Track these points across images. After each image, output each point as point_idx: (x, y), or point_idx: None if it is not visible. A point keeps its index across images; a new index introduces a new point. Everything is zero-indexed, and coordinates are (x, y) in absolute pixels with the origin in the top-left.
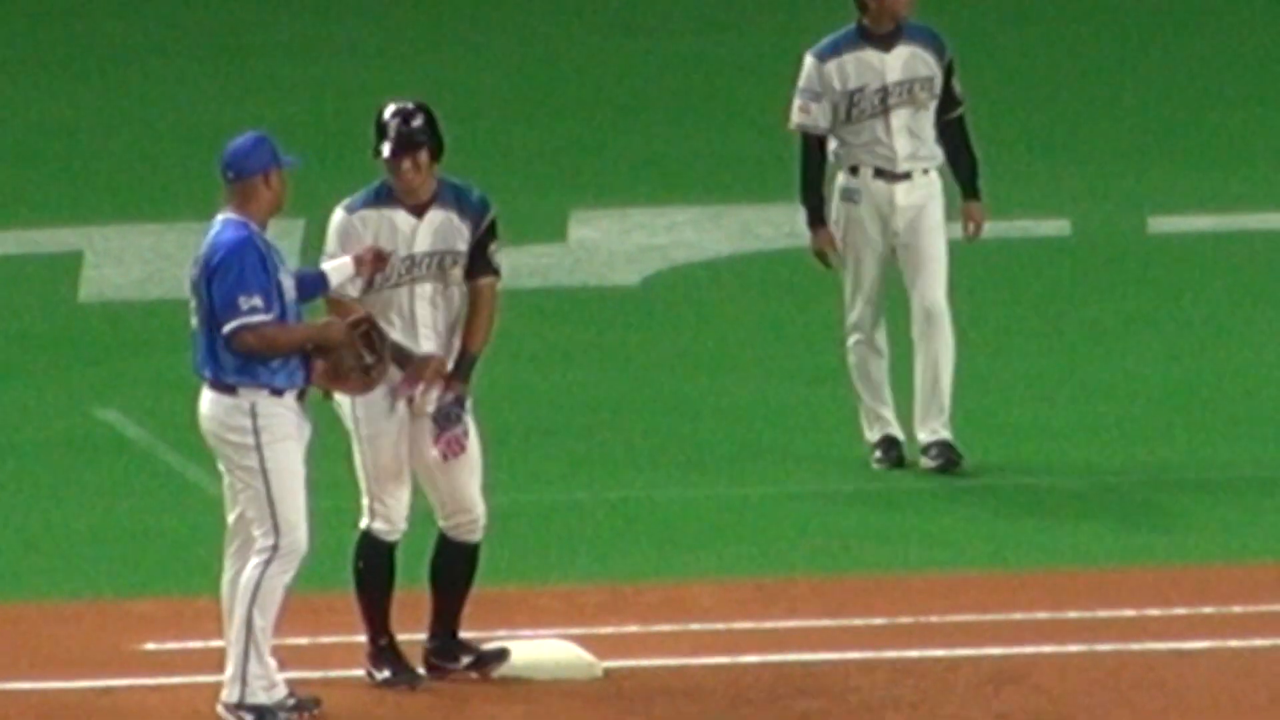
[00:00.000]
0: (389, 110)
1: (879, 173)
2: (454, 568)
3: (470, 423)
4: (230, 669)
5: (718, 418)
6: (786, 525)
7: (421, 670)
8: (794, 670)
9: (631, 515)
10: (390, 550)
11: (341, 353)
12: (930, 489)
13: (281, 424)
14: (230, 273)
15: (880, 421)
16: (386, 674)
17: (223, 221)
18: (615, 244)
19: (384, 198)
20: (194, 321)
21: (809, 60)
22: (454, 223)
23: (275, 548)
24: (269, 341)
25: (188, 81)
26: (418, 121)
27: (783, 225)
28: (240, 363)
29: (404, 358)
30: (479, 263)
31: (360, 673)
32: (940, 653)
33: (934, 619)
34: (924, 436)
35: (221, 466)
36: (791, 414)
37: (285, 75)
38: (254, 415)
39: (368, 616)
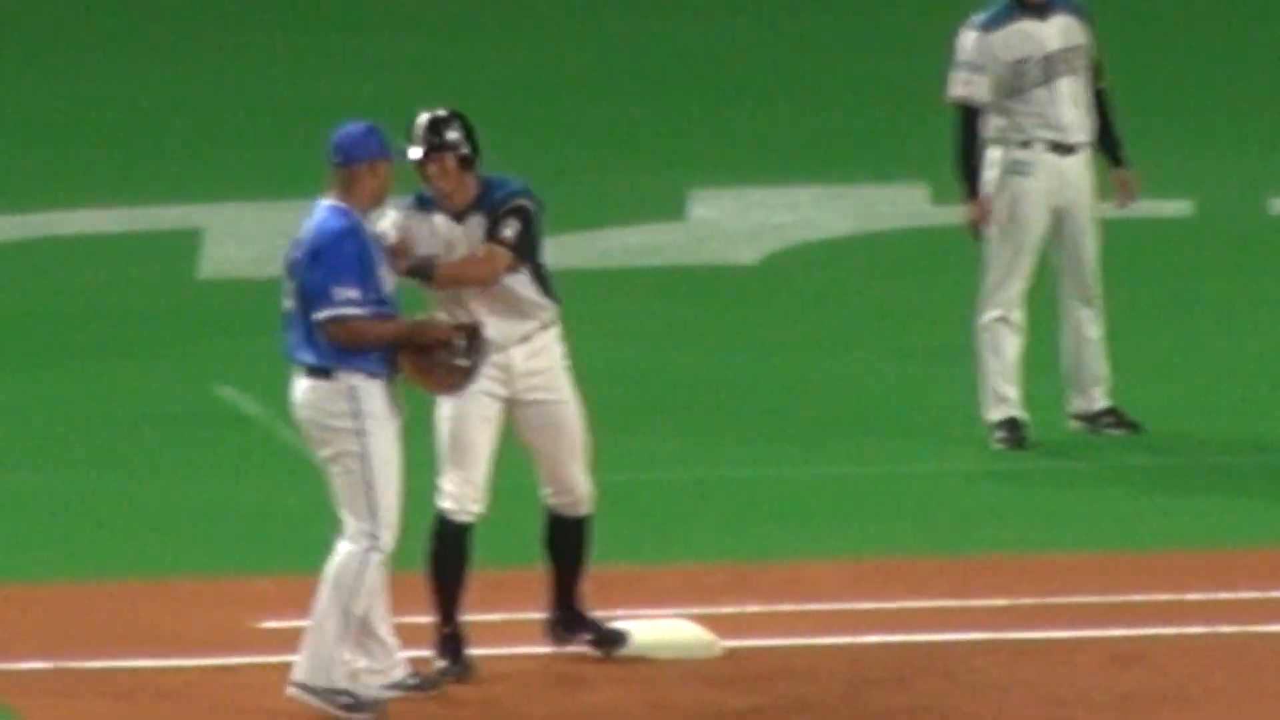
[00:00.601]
0: (422, 117)
1: (1054, 146)
2: (564, 542)
3: (572, 408)
4: (323, 652)
5: (838, 397)
6: (908, 505)
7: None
8: (916, 651)
9: (753, 494)
10: (462, 532)
11: (437, 352)
12: (1051, 469)
13: (380, 406)
14: (328, 261)
15: (1005, 403)
16: (442, 664)
17: (327, 208)
18: (734, 223)
19: (427, 203)
20: (287, 303)
21: (970, 33)
22: (484, 224)
23: (375, 535)
24: (356, 335)
25: (307, 58)
26: (449, 130)
27: (902, 205)
28: (333, 345)
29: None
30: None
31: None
32: (1062, 633)
33: (1056, 599)
34: (1090, 405)
35: (322, 454)
36: (912, 393)
37: (397, 51)
38: (353, 398)
39: (437, 600)
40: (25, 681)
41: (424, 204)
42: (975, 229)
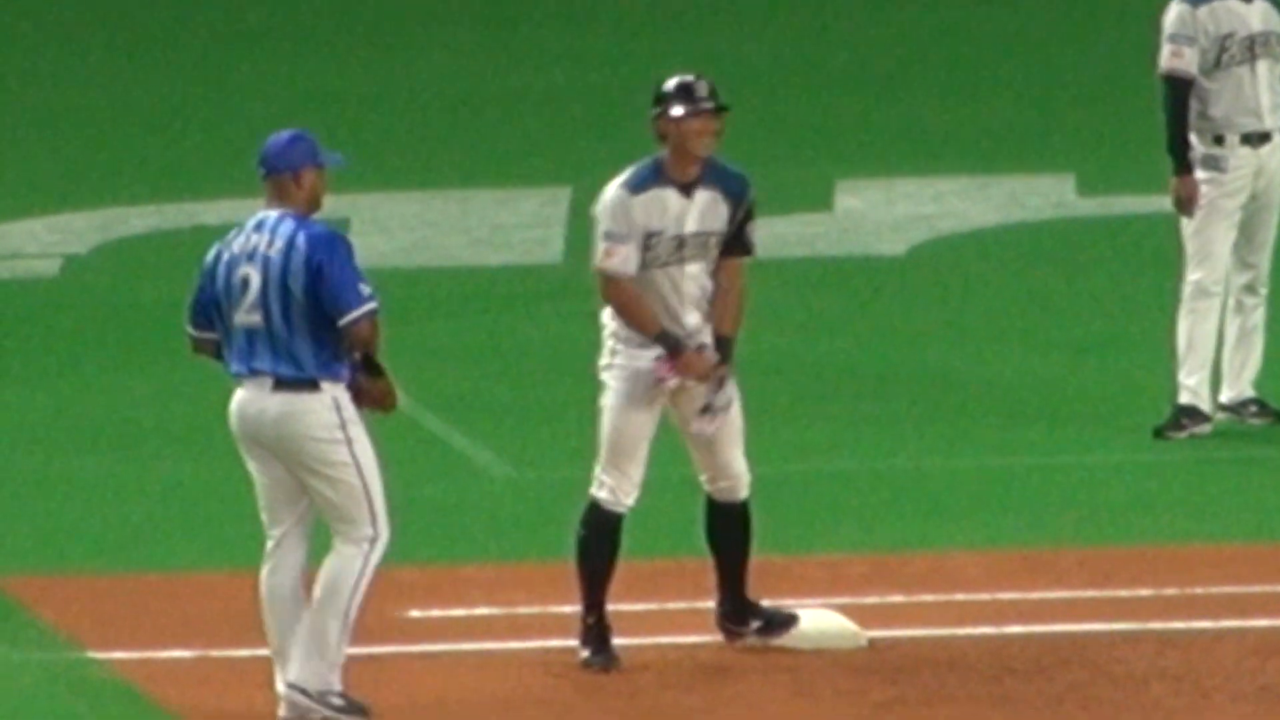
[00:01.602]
0: (684, 77)
1: (1246, 138)
2: (727, 528)
3: (734, 391)
4: (327, 657)
5: (983, 388)
6: (1052, 496)
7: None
8: (1059, 641)
9: (897, 485)
10: (614, 523)
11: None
12: (1195, 460)
13: (357, 414)
14: (338, 262)
15: (1184, 390)
16: (586, 654)
17: (292, 218)
18: (881, 214)
19: (658, 177)
20: (247, 319)
21: (1181, 6)
22: (718, 203)
23: (375, 538)
24: (376, 338)
25: (454, 50)
26: (717, 92)
27: (1050, 195)
28: (319, 355)
29: (673, 343)
30: (735, 242)
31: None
32: (1206, 624)
33: (1199, 590)
34: (1239, 394)
35: (266, 470)
36: (1057, 385)
37: (552, 44)
38: (339, 409)
39: (583, 589)
40: (167, 670)
41: (654, 178)
42: (1184, 205)
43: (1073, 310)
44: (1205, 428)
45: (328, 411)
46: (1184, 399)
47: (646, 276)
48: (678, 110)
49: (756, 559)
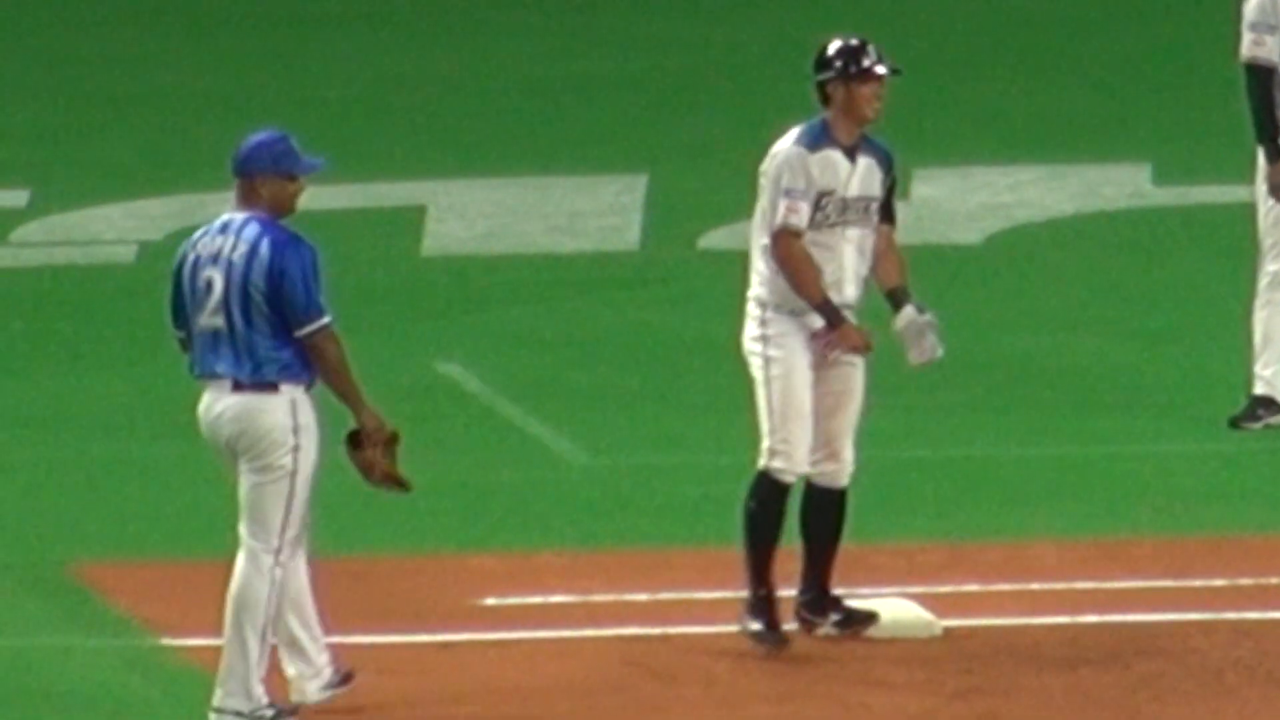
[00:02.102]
0: (850, 39)
1: None
2: (820, 515)
3: (863, 378)
4: (249, 674)
5: (1059, 377)
6: (1128, 485)
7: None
8: (1134, 631)
9: (972, 473)
10: (785, 493)
11: (373, 447)
12: (1270, 450)
13: (313, 418)
14: (296, 271)
15: (1259, 380)
16: (758, 626)
17: (258, 221)
18: (958, 202)
19: (826, 138)
20: (210, 321)
21: None
22: (874, 169)
23: (279, 550)
24: (344, 352)
25: (530, 36)
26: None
27: (1125, 185)
28: (280, 358)
29: (833, 313)
30: (887, 210)
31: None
32: None
33: (1274, 580)
34: None
35: (231, 471)
36: (1133, 374)
37: (629, 30)
38: (294, 413)
39: (751, 563)
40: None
41: (821, 139)
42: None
43: (1148, 300)
44: None
45: (283, 414)
46: (1259, 389)
47: (811, 237)
48: (856, 71)
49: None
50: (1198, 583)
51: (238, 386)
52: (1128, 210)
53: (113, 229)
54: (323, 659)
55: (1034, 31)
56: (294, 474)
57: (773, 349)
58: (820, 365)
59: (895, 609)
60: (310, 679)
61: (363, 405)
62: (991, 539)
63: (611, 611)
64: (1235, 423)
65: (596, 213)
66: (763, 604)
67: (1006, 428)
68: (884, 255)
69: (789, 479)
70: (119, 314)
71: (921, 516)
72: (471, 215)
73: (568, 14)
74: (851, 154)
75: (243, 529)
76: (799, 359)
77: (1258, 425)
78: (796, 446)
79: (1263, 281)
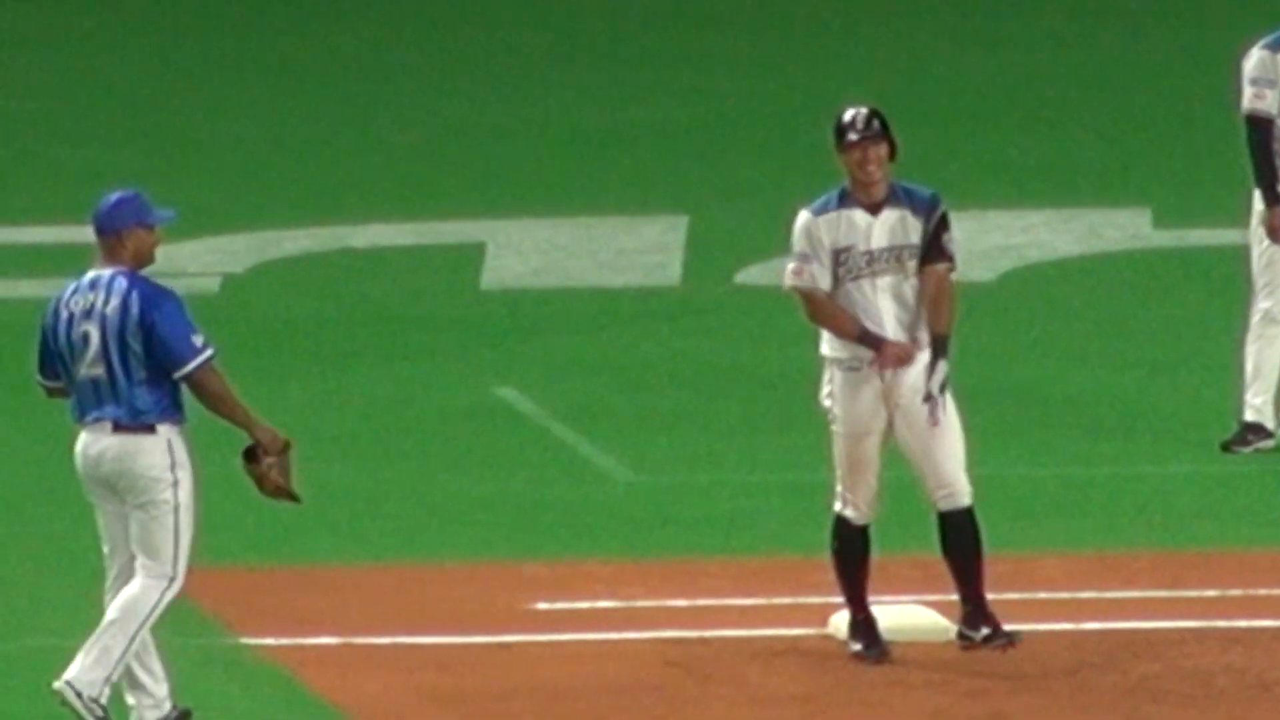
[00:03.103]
0: (850, 111)
1: None
2: (957, 537)
3: (950, 403)
4: (103, 669)
5: (1065, 403)
6: (1127, 503)
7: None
8: (1132, 637)
9: (985, 491)
10: (858, 532)
11: (269, 461)
12: (1259, 471)
13: (187, 454)
14: (170, 317)
15: (1249, 408)
16: (858, 646)
17: (125, 276)
18: (974, 243)
19: (843, 200)
20: (90, 371)
21: (1261, 52)
22: (907, 219)
23: (174, 578)
24: (225, 382)
25: (580, 88)
26: (882, 122)
27: (1127, 228)
28: (157, 401)
29: (873, 339)
30: (932, 251)
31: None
32: (1268, 623)
33: (1263, 591)
34: None
35: (105, 505)
36: (1133, 401)
37: (671, 83)
38: (171, 451)
39: (844, 592)
40: (315, 655)
41: (842, 201)
42: (1275, 233)
43: (1147, 333)
44: (1268, 443)
45: (160, 453)
46: (1249, 416)
47: (844, 290)
48: (842, 142)
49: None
50: (1191, 593)
51: (118, 428)
52: (1129, 251)
53: (197, 262)
54: (162, 691)
55: (1043, 85)
56: (176, 508)
57: (837, 406)
58: (901, 411)
59: (913, 615)
60: (149, 708)
61: (254, 423)
62: (1001, 552)
63: (652, 616)
64: (1227, 447)
65: (641, 250)
66: (859, 626)
67: (1016, 450)
68: (931, 300)
69: (861, 523)
70: None
71: (937, 531)
72: (527, 251)
73: (615, 68)
74: (875, 209)
75: (138, 563)
76: (862, 414)
77: (1247, 449)
78: (860, 496)
79: (1255, 318)
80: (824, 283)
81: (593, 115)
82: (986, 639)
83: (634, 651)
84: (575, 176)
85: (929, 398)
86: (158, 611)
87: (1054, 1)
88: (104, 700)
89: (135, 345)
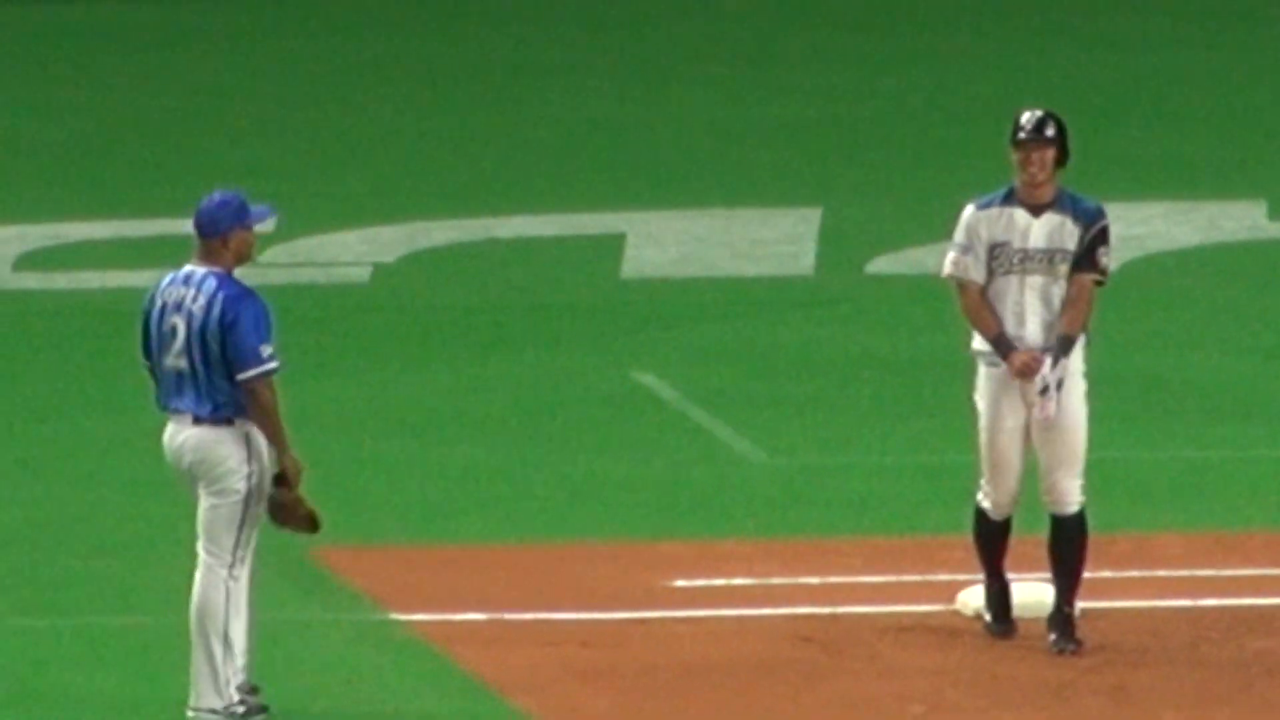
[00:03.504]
0: (1028, 113)
1: None
2: (1054, 540)
3: (1078, 408)
4: (216, 683)
5: (1184, 389)
6: (1243, 484)
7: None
8: (1249, 613)
9: (1107, 474)
10: (997, 523)
11: (288, 493)
12: None
13: (264, 451)
14: (246, 323)
15: None
16: (988, 617)
17: (214, 276)
18: None
19: (1008, 199)
20: (175, 363)
21: None
22: (1067, 226)
23: (233, 564)
24: (276, 401)
25: (718, 86)
26: (1052, 126)
27: (1244, 220)
28: (235, 398)
29: (1004, 345)
30: (1085, 261)
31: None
32: None
33: None
34: None
35: (190, 492)
36: (1250, 386)
37: (804, 81)
38: (248, 444)
39: (982, 564)
40: (463, 631)
41: (1007, 199)
42: None
43: (1263, 321)
44: None
45: (237, 445)
46: None
47: (995, 283)
48: (1013, 140)
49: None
50: None
51: (197, 420)
52: (1245, 242)
53: (349, 252)
54: (241, 661)
55: (1162, 84)
56: (246, 498)
57: (980, 401)
58: (1027, 403)
59: (1039, 593)
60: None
61: (286, 450)
62: (1123, 532)
63: (786, 593)
64: None
65: (775, 241)
66: (994, 597)
67: (1137, 433)
68: (1070, 301)
69: (998, 517)
70: (355, 328)
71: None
72: (665, 242)
73: (751, 67)
74: (1037, 211)
75: (200, 545)
76: (1001, 410)
77: None
78: (998, 490)
79: None
80: (975, 274)
81: (730, 112)
82: (1053, 643)
83: (769, 627)
84: (712, 170)
85: (1044, 390)
86: (232, 601)
87: (1173, 4)
88: (237, 698)
89: (214, 345)
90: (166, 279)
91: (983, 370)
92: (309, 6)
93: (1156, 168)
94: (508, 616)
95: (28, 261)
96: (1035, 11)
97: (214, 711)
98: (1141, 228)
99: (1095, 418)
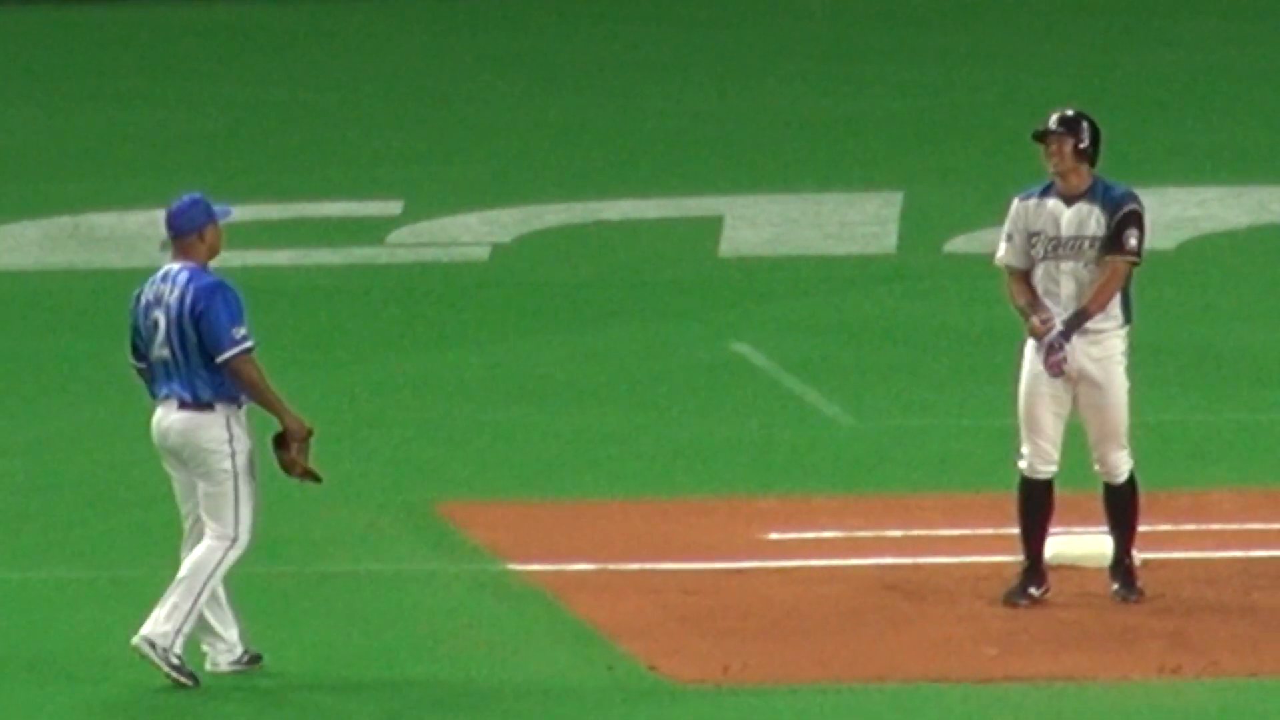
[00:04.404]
0: (1055, 112)
1: None
2: (1109, 505)
3: (1120, 383)
4: (174, 623)
5: (1236, 357)
6: None
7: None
8: None
9: (1166, 435)
10: (1038, 487)
11: (295, 445)
12: None
13: (245, 430)
14: (218, 310)
15: None
16: (1014, 593)
17: (188, 270)
18: (1155, 216)
19: (1047, 191)
20: (159, 353)
21: None
22: (1095, 214)
23: (235, 539)
24: (256, 370)
25: (809, 79)
26: (1076, 119)
27: None
28: (217, 383)
29: (1024, 313)
30: (1113, 244)
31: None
32: None
33: None
34: None
35: (176, 473)
36: None
37: (888, 76)
38: (229, 427)
39: (1022, 539)
40: (575, 580)
41: (1045, 191)
42: None
43: None
44: None
45: (219, 428)
46: None
47: (1038, 269)
48: (1034, 138)
49: (1058, 494)
50: None
51: (183, 405)
52: None
53: (470, 233)
54: (233, 636)
55: (1217, 78)
56: (235, 475)
57: (1022, 368)
58: (1072, 381)
59: (1103, 544)
60: (223, 652)
61: (285, 412)
62: (1180, 488)
63: (872, 545)
64: None
65: (861, 222)
66: (1023, 575)
67: (1193, 398)
68: (1098, 285)
69: (1037, 477)
70: (475, 302)
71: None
72: (760, 224)
73: (838, 63)
74: (1070, 201)
75: (205, 524)
76: (1037, 373)
77: None
78: (1034, 453)
79: None
80: (1015, 260)
81: (819, 105)
82: (1115, 592)
83: (856, 576)
84: (803, 158)
85: (1051, 349)
86: (221, 569)
87: (1225, 6)
88: (178, 650)
89: (191, 333)
90: (149, 280)
91: (1031, 343)
92: (432, 8)
93: (1210, 156)
94: (615, 567)
95: None
96: (1100, 13)
97: (153, 645)
98: (1197, 210)
99: (1156, 383)
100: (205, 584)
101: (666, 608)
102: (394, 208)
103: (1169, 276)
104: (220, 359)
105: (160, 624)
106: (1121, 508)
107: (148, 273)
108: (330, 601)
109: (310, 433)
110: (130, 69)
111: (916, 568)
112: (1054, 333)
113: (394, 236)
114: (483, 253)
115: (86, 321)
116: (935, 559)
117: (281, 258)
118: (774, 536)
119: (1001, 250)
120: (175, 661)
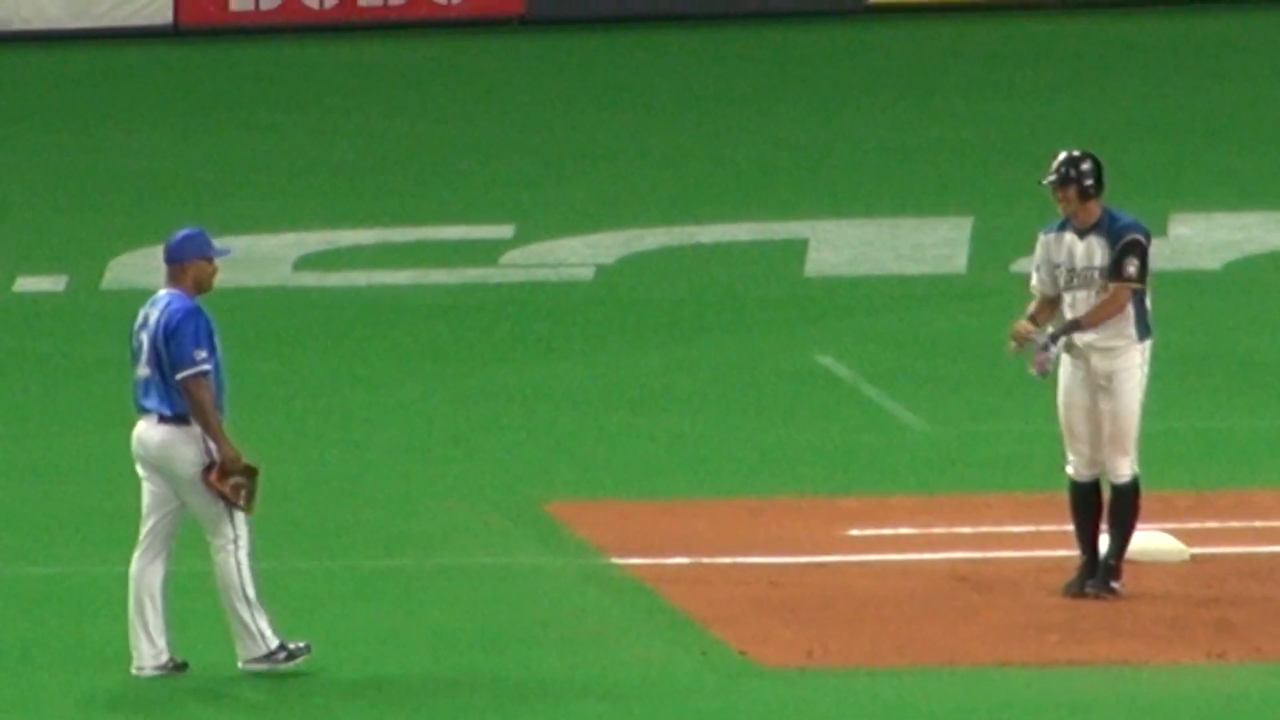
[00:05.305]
0: (1062, 154)
1: None
2: (1110, 502)
3: (1130, 393)
4: (251, 637)
5: (1278, 368)
6: None
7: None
8: None
9: (1213, 439)
10: (1083, 489)
11: (235, 480)
12: None
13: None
14: (186, 332)
15: None
16: (1071, 584)
17: (171, 295)
18: (1203, 239)
19: (1064, 225)
20: (143, 371)
21: None
22: (1101, 245)
23: (236, 537)
24: (207, 394)
25: (886, 112)
26: (1075, 166)
27: None
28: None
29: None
30: (1113, 271)
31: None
32: None
33: None
34: None
35: (150, 483)
36: None
37: (960, 108)
38: (205, 441)
39: (1076, 536)
40: (671, 573)
41: (1063, 225)
42: None
43: None
44: None
45: (195, 449)
46: None
47: (1064, 297)
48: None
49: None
50: None
51: (161, 419)
52: None
53: (576, 255)
54: (162, 641)
55: (1262, 110)
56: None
57: (1059, 375)
58: (1093, 390)
59: (1155, 540)
60: (149, 657)
61: (222, 441)
62: (1227, 488)
63: (944, 541)
64: None
65: (934, 245)
66: (1081, 569)
67: (1239, 405)
68: (1098, 303)
69: (1080, 479)
70: (580, 318)
71: (1175, 471)
72: (841, 246)
73: (913, 96)
74: (1083, 235)
75: (206, 535)
76: (1071, 387)
77: None
78: (1076, 456)
79: None
80: (1044, 289)
81: (895, 135)
82: (1091, 586)
83: (929, 569)
84: (882, 185)
85: (1042, 347)
86: (244, 569)
87: (1271, 43)
88: (275, 643)
89: (164, 351)
90: (143, 306)
91: (1065, 354)
92: (545, 47)
93: (1254, 182)
94: (708, 560)
95: (306, 263)
96: (1154, 50)
97: (257, 660)
98: (1240, 234)
99: (1204, 392)
100: (244, 590)
101: (754, 598)
102: (506, 231)
103: (1216, 293)
104: (178, 377)
105: (246, 647)
106: (1119, 508)
107: (279, 292)
108: (447, 592)
109: (255, 471)
110: (267, 102)
111: (985, 562)
112: (1045, 335)
113: (506, 258)
114: (588, 273)
115: (223, 337)
116: (1002, 554)
117: (403, 278)
118: (854, 533)
119: (1034, 280)
120: (284, 654)
